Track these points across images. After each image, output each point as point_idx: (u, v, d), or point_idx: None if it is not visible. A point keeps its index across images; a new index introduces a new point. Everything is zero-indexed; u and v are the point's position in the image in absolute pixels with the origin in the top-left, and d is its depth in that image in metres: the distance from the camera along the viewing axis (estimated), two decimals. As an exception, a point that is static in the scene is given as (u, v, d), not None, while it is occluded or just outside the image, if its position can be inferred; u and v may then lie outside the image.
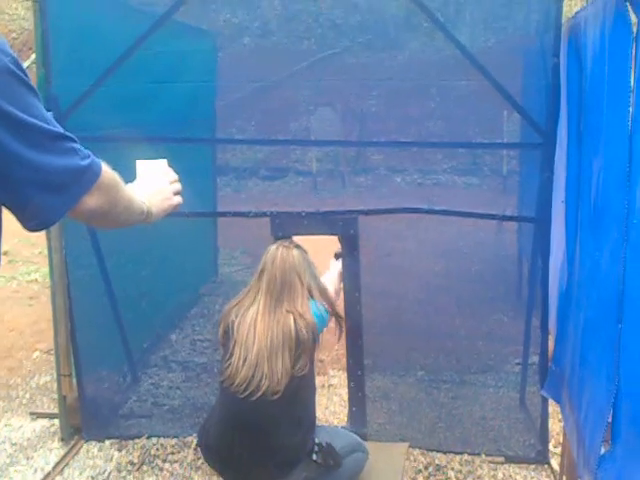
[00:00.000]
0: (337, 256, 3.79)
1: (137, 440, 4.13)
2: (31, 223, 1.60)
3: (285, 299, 3.09)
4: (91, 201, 1.66)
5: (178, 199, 2.16)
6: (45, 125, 1.56)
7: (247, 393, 2.95)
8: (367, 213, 3.84)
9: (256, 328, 3.02)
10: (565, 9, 3.51)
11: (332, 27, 4.73)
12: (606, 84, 2.41)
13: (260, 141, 4.82)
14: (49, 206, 1.59)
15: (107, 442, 4.14)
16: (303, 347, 3.03)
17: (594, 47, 2.60)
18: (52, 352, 4.53)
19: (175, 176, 2.19)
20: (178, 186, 2.18)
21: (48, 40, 3.69)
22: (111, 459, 3.97)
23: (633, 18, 2.07)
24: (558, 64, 3.38)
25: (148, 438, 4.14)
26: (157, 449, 4.05)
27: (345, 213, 3.85)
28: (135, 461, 3.93)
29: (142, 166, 2.17)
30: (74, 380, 4.08)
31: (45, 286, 6.78)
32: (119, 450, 4.06)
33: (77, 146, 1.64)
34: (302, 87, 4.63)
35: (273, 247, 3.23)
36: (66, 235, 3.86)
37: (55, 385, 4.32)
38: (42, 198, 1.57)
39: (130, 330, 4.39)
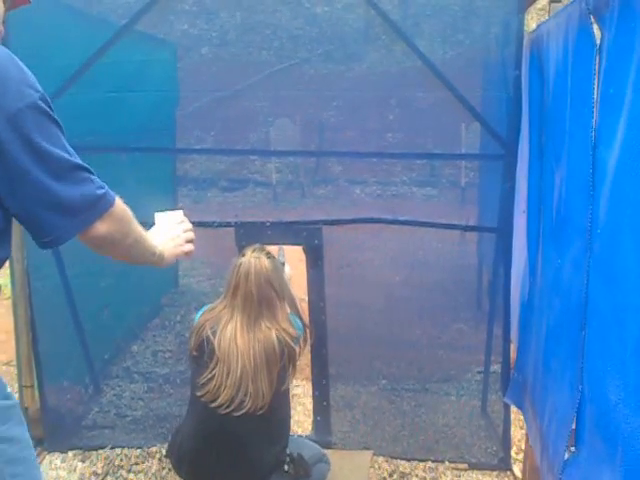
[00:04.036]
0: (282, 264, 3.68)
1: (101, 451, 4.09)
2: (44, 240, 1.75)
3: (265, 316, 3.01)
4: (102, 227, 1.80)
5: (190, 247, 2.33)
6: (67, 156, 1.72)
7: (229, 410, 2.92)
8: (332, 223, 3.86)
9: (237, 347, 2.94)
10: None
11: (291, 38, 4.73)
12: (569, 96, 2.46)
13: (222, 151, 4.80)
14: (62, 226, 1.74)
15: (70, 453, 4.08)
16: (289, 357, 3.00)
17: (557, 59, 2.65)
18: (12, 364, 4.46)
19: (190, 225, 2.36)
20: (191, 235, 2.35)
21: (8, 49, 3.65)
22: (75, 470, 3.92)
23: (596, 30, 2.11)
24: (519, 76, 3.44)
25: (112, 449, 4.10)
26: (121, 460, 4.01)
27: (309, 223, 3.87)
28: (99, 472, 3.89)
29: (160, 217, 2.36)
30: (36, 391, 4.03)
31: (3, 298, 6.67)
32: (82, 461, 4.01)
33: (94, 177, 1.80)
34: (261, 98, 4.61)
35: (244, 259, 3.09)
36: (27, 245, 3.81)
37: (16, 397, 4.26)
38: (57, 219, 1.73)
39: (92, 341, 4.34)
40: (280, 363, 2.96)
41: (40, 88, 1.73)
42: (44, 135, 1.68)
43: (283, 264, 3.51)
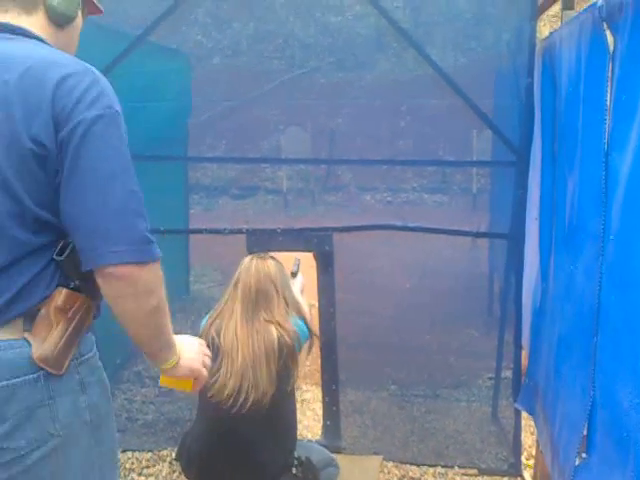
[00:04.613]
0: (294, 274, 3.71)
1: (112, 454, 4.09)
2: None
3: (262, 308, 3.06)
4: (135, 270, 1.67)
5: (205, 372, 2.09)
6: (131, 181, 1.69)
7: (236, 405, 2.94)
8: (342, 230, 3.87)
9: (238, 338, 3.00)
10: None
11: (302, 47, 4.77)
12: (582, 103, 2.47)
13: (233, 159, 4.83)
14: (91, 249, 1.65)
15: (82, 457, 4.09)
16: (289, 355, 3.03)
17: (570, 66, 2.66)
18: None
19: (209, 352, 2.16)
20: (208, 361, 2.13)
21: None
22: (86, 474, 3.93)
23: (609, 37, 2.12)
24: (532, 83, 3.44)
25: (123, 452, 4.09)
26: (132, 463, 4.01)
27: (320, 230, 3.88)
28: (110, 475, 3.90)
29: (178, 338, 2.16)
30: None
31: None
32: (93, 464, 4.02)
33: (147, 222, 1.71)
34: (272, 106, 4.65)
35: (247, 259, 3.21)
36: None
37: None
38: (92, 241, 1.65)
39: (103, 346, 4.34)
40: (279, 360, 2.99)
41: (116, 105, 1.73)
42: (110, 149, 1.67)
43: (295, 274, 3.56)
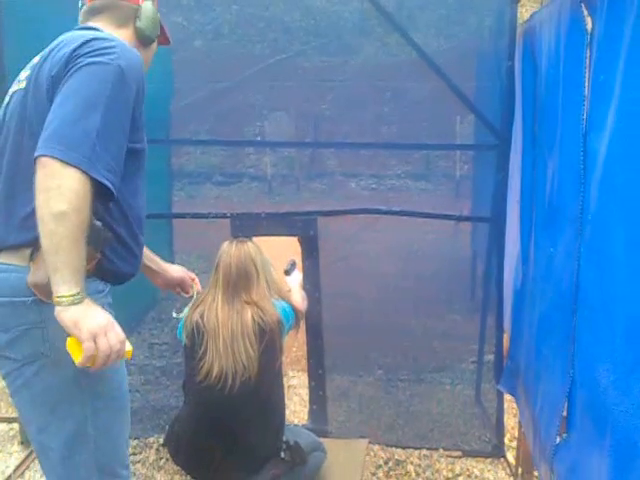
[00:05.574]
0: (287, 272, 3.75)
1: (99, 441, 4.08)
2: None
3: (242, 288, 3.09)
4: (54, 166, 1.82)
5: (92, 348, 1.82)
6: (98, 114, 1.91)
7: (225, 387, 2.95)
8: (326, 214, 3.88)
9: (219, 320, 3.03)
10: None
11: (285, 31, 4.73)
12: (561, 85, 2.48)
13: (217, 142, 4.80)
14: (39, 145, 1.84)
15: (69, 444, 4.08)
16: (270, 335, 3.04)
17: (549, 48, 2.67)
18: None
19: (115, 342, 1.89)
20: (104, 345, 1.85)
21: (1, 40, 3.69)
22: (74, 461, 3.92)
23: (588, 20, 2.13)
24: (513, 67, 3.45)
25: (110, 440, 4.10)
26: (119, 450, 4.01)
27: (304, 214, 3.89)
28: (97, 462, 3.89)
29: None
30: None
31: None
32: (81, 452, 4.01)
33: (101, 152, 1.91)
34: (255, 91, 4.61)
35: (226, 243, 3.25)
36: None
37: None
38: (42, 138, 1.85)
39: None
40: (260, 340, 3.02)
41: (123, 62, 1.99)
42: (92, 82, 1.91)
43: (288, 272, 3.61)
